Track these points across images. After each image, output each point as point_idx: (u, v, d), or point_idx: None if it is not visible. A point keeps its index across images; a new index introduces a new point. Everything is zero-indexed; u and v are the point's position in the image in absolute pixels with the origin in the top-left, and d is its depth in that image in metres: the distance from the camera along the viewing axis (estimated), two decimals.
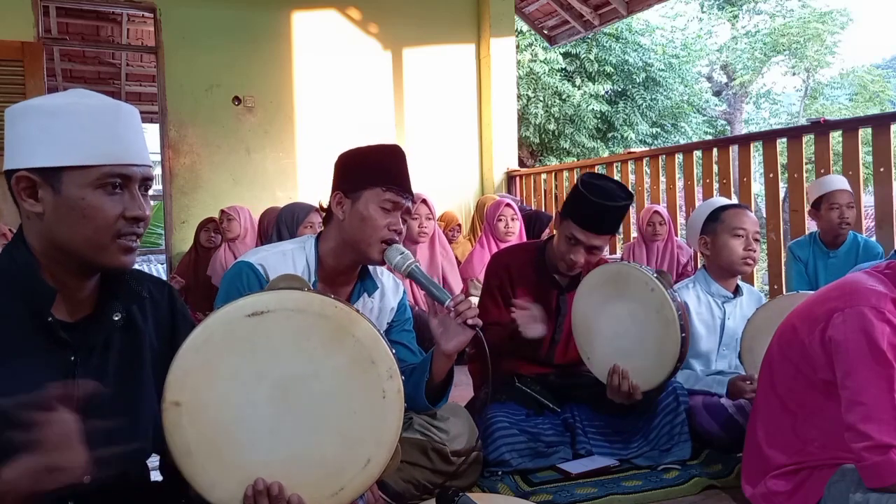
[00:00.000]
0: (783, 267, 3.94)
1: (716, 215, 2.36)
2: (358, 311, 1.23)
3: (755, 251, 2.31)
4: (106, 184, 1.06)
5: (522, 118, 11.70)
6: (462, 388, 2.63)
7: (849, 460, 1.44)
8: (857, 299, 1.43)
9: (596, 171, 4.47)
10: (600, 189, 2.12)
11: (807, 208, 3.73)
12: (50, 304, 1.08)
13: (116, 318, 1.15)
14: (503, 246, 4.03)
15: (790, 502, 1.53)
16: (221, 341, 1.14)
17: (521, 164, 9.45)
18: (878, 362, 1.38)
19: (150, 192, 1.19)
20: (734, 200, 4.55)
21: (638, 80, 13.00)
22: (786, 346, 1.59)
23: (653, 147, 12.02)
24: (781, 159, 4.36)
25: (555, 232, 2.31)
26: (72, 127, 1.05)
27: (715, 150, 4.64)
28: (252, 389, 1.15)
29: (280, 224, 3.51)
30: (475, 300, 1.93)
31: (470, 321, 1.54)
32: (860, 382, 1.39)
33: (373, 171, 1.69)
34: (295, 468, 1.15)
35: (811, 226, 3.66)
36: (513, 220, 4.26)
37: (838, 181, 3.40)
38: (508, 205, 4.31)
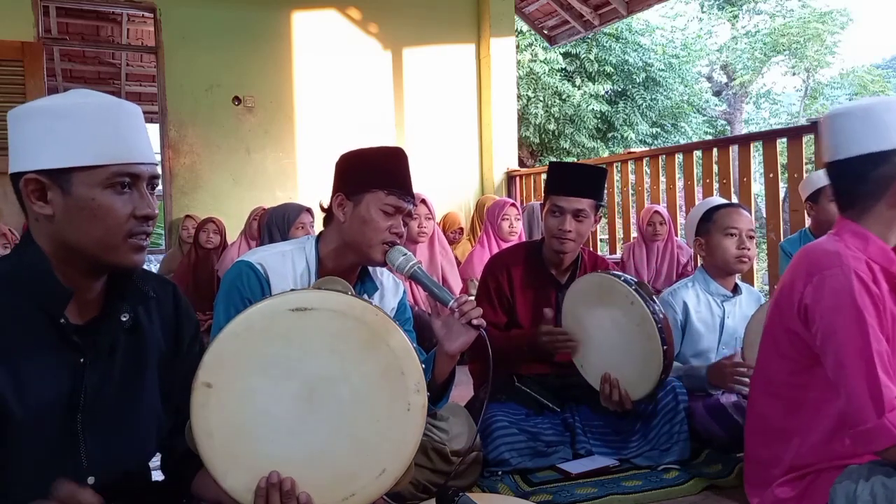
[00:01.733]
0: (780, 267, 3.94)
1: (709, 216, 2.37)
2: (396, 321, 1.24)
3: (749, 249, 2.31)
4: (115, 183, 1.06)
5: (522, 118, 11.71)
6: (462, 388, 2.63)
7: (853, 459, 1.43)
8: (821, 266, 1.45)
9: None
10: (570, 161, 2.30)
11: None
12: (64, 306, 1.08)
13: (125, 319, 1.15)
14: (505, 246, 4.03)
15: None
16: (261, 331, 1.15)
17: (521, 164, 9.45)
18: (857, 320, 1.38)
19: None
20: (734, 200, 4.56)
21: (638, 80, 13.01)
22: (775, 344, 1.58)
23: (653, 147, 12.02)
24: (781, 159, 4.36)
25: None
26: (79, 127, 1.05)
27: (715, 150, 4.64)
28: (281, 384, 1.16)
29: (271, 226, 3.49)
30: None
31: (474, 321, 1.55)
32: (841, 343, 1.39)
33: (375, 174, 1.68)
34: (309, 468, 1.16)
35: (808, 222, 3.65)
36: (516, 219, 4.28)
37: None
38: (513, 204, 4.32)
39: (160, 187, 5.77)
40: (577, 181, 2.25)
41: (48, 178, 1.05)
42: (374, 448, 1.19)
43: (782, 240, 4.07)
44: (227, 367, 1.13)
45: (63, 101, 1.08)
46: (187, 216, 5.27)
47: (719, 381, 2.16)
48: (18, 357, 1.04)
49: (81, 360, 1.10)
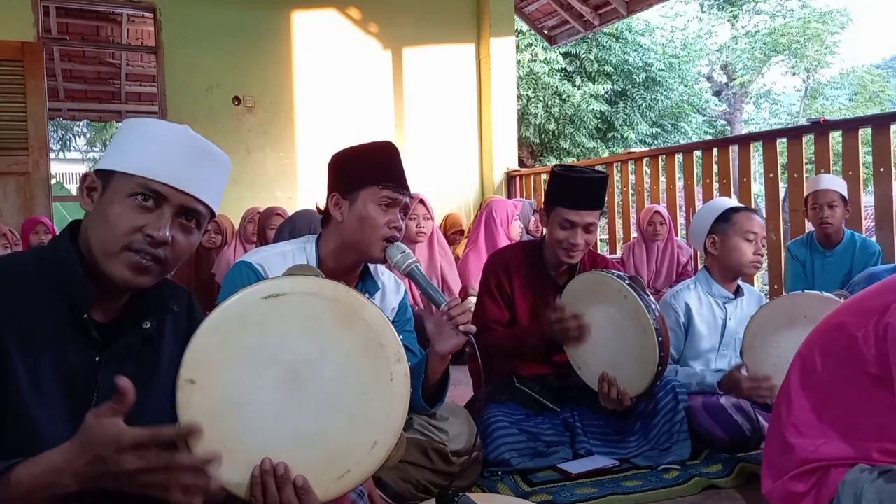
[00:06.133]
0: (783, 267, 3.94)
1: (727, 216, 2.35)
2: (368, 297, 1.26)
3: (762, 255, 2.32)
4: (136, 194, 1.08)
5: (522, 118, 11.70)
6: (462, 388, 2.63)
7: (883, 459, 1.42)
8: None
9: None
10: (576, 169, 2.28)
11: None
12: (85, 298, 1.09)
13: (146, 327, 1.17)
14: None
15: (805, 502, 1.51)
16: (237, 322, 1.16)
17: (521, 164, 9.45)
18: None
19: None
20: (734, 200, 4.56)
21: (638, 80, 13.01)
22: (828, 342, 1.54)
23: (653, 147, 12.02)
24: (781, 159, 4.36)
25: (543, 230, 2.33)
26: (137, 140, 1.11)
27: (715, 150, 4.65)
28: (263, 372, 1.16)
29: (293, 232, 3.49)
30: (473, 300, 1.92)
31: (462, 327, 1.53)
32: None
33: (368, 170, 1.69)
34: (302, 450, 1.16)
35: (811, 225, 3.67)
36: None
37: (823, 180, 3.39)
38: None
39: None
40: (587, 195, 2.19)
41: (99, 177, 1.11)
42: (363, 422, 1.20)
43: (782, 240, 4.09)
44: (208, 362, 1.13)
45: (149, 120, 1.16)
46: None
47: (734, 392, 2.17)
48: (39, 344, 1.05)
49: (97, 358, 1.11)
